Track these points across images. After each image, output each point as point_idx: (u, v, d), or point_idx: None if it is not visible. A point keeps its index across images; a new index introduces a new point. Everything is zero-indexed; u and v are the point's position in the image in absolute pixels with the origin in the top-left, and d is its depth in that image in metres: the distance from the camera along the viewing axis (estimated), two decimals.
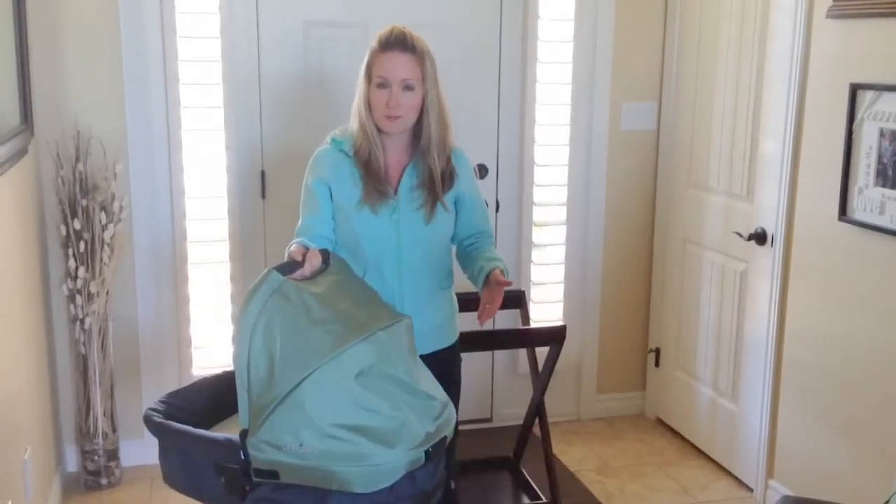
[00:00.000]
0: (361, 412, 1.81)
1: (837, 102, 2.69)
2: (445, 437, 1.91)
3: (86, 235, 3.03)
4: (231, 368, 2.23)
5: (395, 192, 2.20)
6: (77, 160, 3.04)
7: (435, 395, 1.96)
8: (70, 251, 3.04)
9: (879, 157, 2.55)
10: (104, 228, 3.05)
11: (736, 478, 3.31)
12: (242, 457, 1.83)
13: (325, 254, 2.08)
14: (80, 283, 3.04)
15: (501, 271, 2.17)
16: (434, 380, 2.02)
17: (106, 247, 3.06)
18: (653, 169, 3.73)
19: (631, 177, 3.72)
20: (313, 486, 1.80)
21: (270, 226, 3.40)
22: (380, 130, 2.18)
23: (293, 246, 2.08)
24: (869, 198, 2.59)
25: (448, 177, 2.25)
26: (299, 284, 1.96)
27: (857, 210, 2.64)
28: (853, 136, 2.64)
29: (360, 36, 3.34)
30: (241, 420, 1.86)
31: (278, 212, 3.39)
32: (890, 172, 2.51)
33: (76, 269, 3.03)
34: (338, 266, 2.09)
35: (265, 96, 3.32)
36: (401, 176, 2.22)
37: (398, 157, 2.23)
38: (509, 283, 2.15)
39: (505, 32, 3.51)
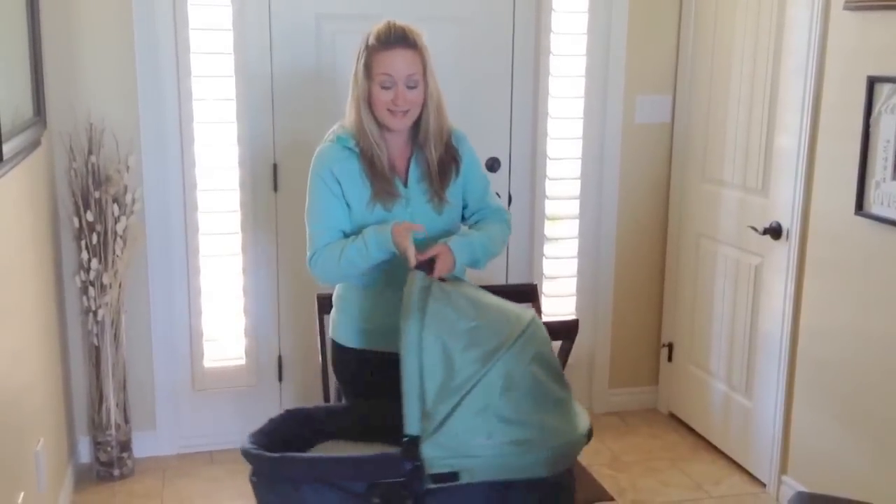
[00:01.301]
0: (542, 397, 1.86)
1: (854, 95, 2.66)
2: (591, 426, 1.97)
3: (98, 227, 3.04)
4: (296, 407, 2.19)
5: (406, 184, 2.19)
6: (90, 152, 3.05)
7: (568, 382, 2.03)
8: (83, 243, 3.04)
9: None
10: (117, 221, 3.05)
11: (749, 473, 3.29)
12: (410, 466, 1.79)
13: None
14: (92, 274, 3.05)
15: (449, 248, 2.10)
16: None
17: (118, 239, 3.07)
18: (667, 162, 3.70)
19: (645, 170, 3.69)
20: (495, 479, 1.81)
21: (282, 218, 3.40)
22: (380, 127, 2.16)
23: (410, 244, 2.04)
24: (886, 192, 2.56)
25: (452, 162, 2.23)
26: (443, 284, 1.98)
27: (874, 204, 2.61)
28: (870, 129, 2.60)
29: None
30: (409, 428, 1.81)
31: (290, 205, 3.39)
32: None
33: (89, 260, 3.04)
34: None
35: (277, 89, 3.32)
36: (407, 168, 2.21)
37: (401, 150, 2.22)
38: (426, 256, 2.06)
39: (518, 25, 3.48)
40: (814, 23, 2.83)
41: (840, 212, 2.75)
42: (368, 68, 2.12)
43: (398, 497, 1.82)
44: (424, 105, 2.16)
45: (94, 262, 3.04)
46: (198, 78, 3.21)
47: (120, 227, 3.06)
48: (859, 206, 2.66)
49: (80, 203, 3.04)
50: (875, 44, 2.61)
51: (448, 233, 2.24)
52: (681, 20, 3.59)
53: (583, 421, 1.94)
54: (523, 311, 1.99)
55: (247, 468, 3.66)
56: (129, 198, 3.09)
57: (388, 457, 1.83)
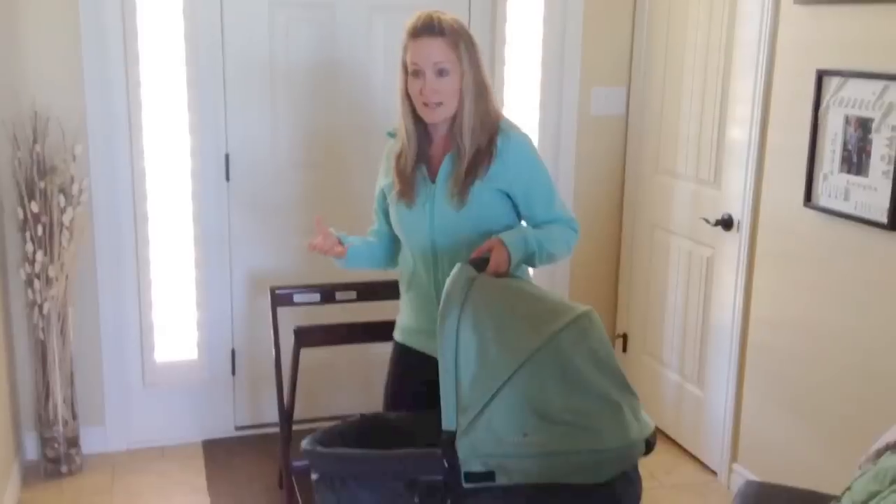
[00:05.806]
0: (591, 396, 1.76)
1: (804, 89, 2.70)
2: (653, 435, 1.83)
3: (44, 219, 2.96)
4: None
5: (434, 180, 2.15)
6: (34, 141, 2.97)
7: (634, 389, 1.88)
8: (27, 235, 2.96)
9: (844, 144, 2.56)
10: (63, 211, 2.98)
11: (701, 462, 3.33)
12: (447, 464, 1.73)
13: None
14: (38, 267, 2.97)
15: (502, 242, 2.04)
16: None
17: (65, 230, 2.99)
18: (622, 154, 3.73)
19: (600, 162, 3.71)
20: (537, 483, 1.73)
21: (235, 209, 3.34)
22: (416, 121, 2.15)
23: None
24: (834, 184, 2.61)
25: (484, 161, 2.10)
26: (490, 277, 1.96)
27: (822, 196, 2.65)
28: (819, 122, 2.65)
29: (327, 17, 3.29)
30: (446, 423, 1.75)
31: (242, 195, 3.34)
32: (854, 159, 2.53)
33: (34, 253, 2.96)
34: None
35: (229, 78, 3.26)
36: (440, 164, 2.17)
37: (442, 145, 2.18)
38: (480, 252, 2.03)
39: (474, 14, 3.46)
40: (765, 16, 2.86)
41: (789, 204, 2.79)
42: (404, 61, 2.13)
43: (438, 496, 1.76)
44: (461, 97, 2.11)
45: (40, 255, 2.96)
46: (147, 66, 3.14)
47: (66, 219, 2.98)
48: (808, 198, 2.70)
49: (25, 193, 2.95)
50: (825, 37, 2.65)
51: (472, 230, 2.13)
52: (635, 12, 3.60)
53: (641, 428, 1.81)
54: (577, 305, 1.89)
55: (199, 463, 3.63)
56: (75, 188, 3.01)
57: (424, 454, 1.78)
